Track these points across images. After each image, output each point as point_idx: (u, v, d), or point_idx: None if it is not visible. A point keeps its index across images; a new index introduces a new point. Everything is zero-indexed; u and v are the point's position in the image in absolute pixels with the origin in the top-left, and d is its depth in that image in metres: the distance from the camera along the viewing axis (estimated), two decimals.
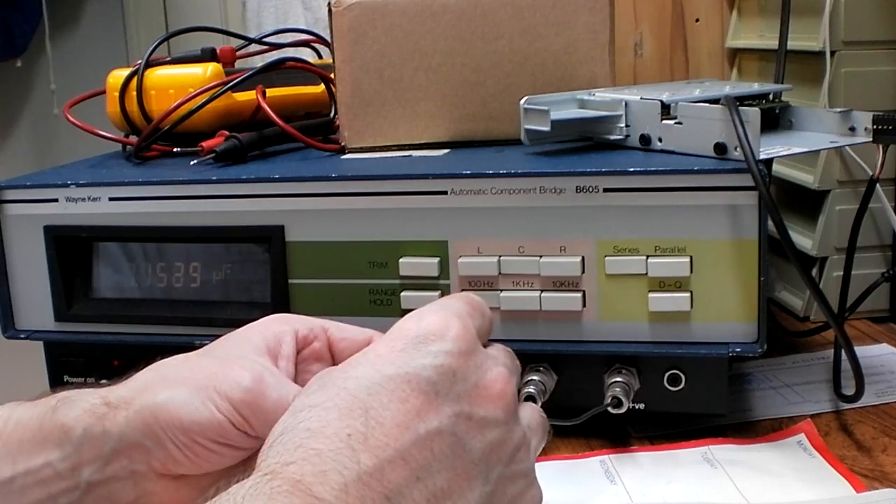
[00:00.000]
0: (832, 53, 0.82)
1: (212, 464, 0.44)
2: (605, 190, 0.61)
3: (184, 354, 0.47)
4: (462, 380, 0.39)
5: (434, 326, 0.40)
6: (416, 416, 0.37)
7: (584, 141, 0.70)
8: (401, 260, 0.64)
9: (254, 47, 0.95)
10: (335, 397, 0.37)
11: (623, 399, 0.61)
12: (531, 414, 0.44)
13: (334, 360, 0.49)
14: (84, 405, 0.44)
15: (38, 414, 0.45)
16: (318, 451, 0.35)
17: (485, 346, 0.43)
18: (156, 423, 0.43)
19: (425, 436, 0.37)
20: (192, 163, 0.73)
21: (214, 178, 0.68)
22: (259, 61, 0.89)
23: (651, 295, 0.61)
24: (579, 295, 0.62)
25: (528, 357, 0.64)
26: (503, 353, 0.43)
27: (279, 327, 0.48)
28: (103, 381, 0.73)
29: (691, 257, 0.60)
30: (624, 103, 0.67)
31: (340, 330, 0.50)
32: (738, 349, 0.60)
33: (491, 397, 0.40)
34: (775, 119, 0.72)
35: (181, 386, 0.44)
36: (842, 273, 0.71)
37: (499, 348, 0.44)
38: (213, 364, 0.45)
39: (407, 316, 0.41)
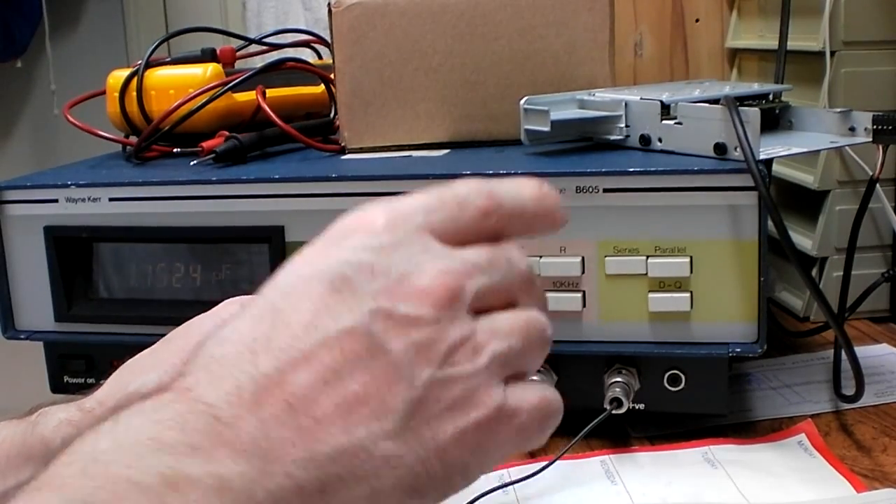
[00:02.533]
0: (832, 53, 0.82)
1: None
2: (605, 190, 0.61)
3: (149, 348, 0.46)
4: (382, 274, 0.34)
5: (360, 220, 0.36)
6: (325, 315, 0.33)
7: (584, 141, 0.70)
8: None
9: (254, 48, 0.95)
10: (252, 306, 0.35)
11: (623, 399, 0.61)
12: (507, 318, 0.37)
13: None
14: (61, 416, 0.45)
15: (21, 430, 0.45)
16: (219, 360, 0.33)
17: (467, 243, 0.37)
18: None
19: (335, 336, 0.33)
20: (192, 163, 0.73)
21: (214, 178, 0.68)
22: (259, 62, 0.89)
23: (651, 295, 0.61)
24: (579, 295, 0.62)
25: None
26: (470, 250, 0.37)
27: (233, 309, 0.45)
28: (102, 382, 0.73)
29: (691, 257, 0.60)
30: (624, 103, 0.67)
31: None
32: (738, 349, 0.60)
33: (416, 293, 0.34)
34: (775, 119, 0.72)
35: (149, 371, 0.43)
36: (842, 273, 0.71)
37: (475, 249, 0.37)
38: (178, 344, 0.44)
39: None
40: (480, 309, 0.36)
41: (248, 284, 0.68)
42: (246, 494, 0.30)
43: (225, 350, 0.33)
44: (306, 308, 0.33)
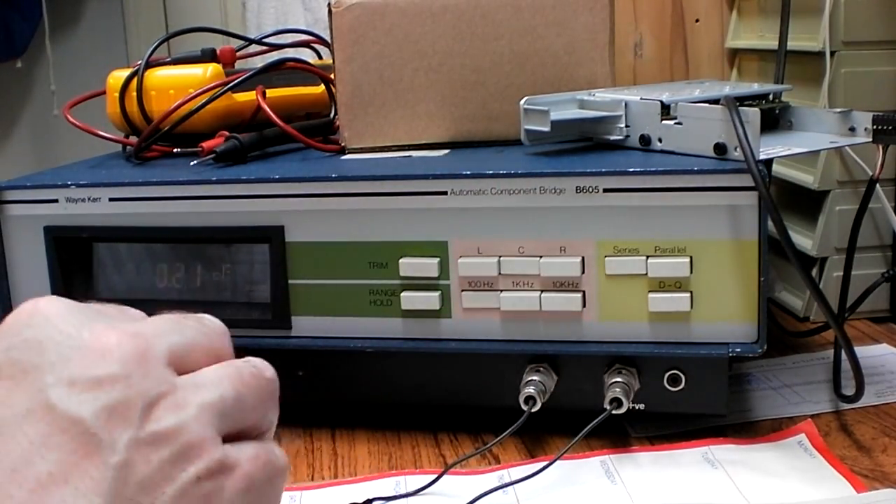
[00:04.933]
0: (832, 53, 0.82)
1: None
2: (605, 190, 0.61)
3: None
4: (54, 349, 0.33)
5: (24, 311, 0.36)
6: (2, 404, 0.32)
7: (584, 141, 0.70)
8: (401, 260, 0.64)
9: (254, 48, 0.95)
10: None
11: (623, 399, 0.61)
12: (213, 369, 0.36)
13: None
14: None
15: None
16: None
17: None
18: None
19: (20, 417, 0.31)
20: (192, 163, 0.73)
21: (214, 178, 0.68)
22: (259, 62, 0.89)
23: (651, 295, 0.61)
24: (579, 295, 0.62)
25: (528, 357, 0.64)
26: (162, 318, 0.37)
27: None
28: None
29: (691, 257, 0.60)
30: (624, 104, 0.67)
31: None
32: (738, 349, 0.60)
33: (100, 352, 0.33)
34: (775, 119, 0.72)
35: None
36: (842, 273, 0.71)
37: (165, 318, 0.37)
38: None
39: None
40: (184, 369, 0.35)
41: (249, 284, 0.68)
42: None
43: None
44: None
